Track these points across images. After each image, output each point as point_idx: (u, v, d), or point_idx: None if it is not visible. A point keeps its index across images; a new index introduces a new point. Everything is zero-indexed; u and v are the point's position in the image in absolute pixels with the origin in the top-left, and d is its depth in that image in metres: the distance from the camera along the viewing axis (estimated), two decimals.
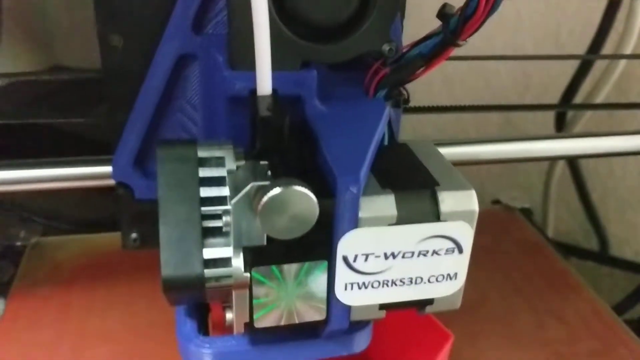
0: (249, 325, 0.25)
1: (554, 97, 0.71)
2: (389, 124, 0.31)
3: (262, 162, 0.24)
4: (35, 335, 0.42)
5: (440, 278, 0.26)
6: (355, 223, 0.24)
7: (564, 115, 0.70)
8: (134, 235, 0.33)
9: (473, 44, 0.29)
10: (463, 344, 0.44)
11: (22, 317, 0.44)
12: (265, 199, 0.21)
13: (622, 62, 0.64)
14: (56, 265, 0.50)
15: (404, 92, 0.31)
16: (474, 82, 0.74)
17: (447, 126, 0.74)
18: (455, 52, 0.28)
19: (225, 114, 0.28)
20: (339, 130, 0.27)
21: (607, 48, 0.65)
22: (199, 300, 0.25)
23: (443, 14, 0.27)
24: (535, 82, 0.75)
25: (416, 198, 0.25)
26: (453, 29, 0.27)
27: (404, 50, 0.29)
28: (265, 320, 0.25)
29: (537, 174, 0.80)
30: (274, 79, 0.27)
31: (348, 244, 0.24)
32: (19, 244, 0.52)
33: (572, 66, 0.68)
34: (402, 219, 0.24)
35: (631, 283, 0.72)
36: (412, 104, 0.49)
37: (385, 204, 0.24)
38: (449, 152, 0.42)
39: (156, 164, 0.24)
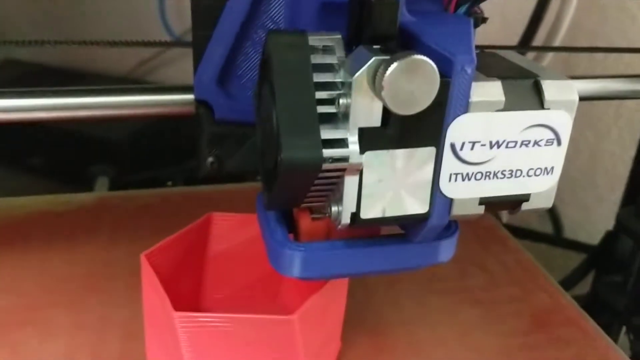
0: (355, 217, 0.25)
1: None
2: None
3: (374, 46, 0.24)
4: None
5: (538, 172, 0.26)
6: (465, 107, 0.24)
7: None
8: (210, 159, 0.33)
9: None
10: (380, 287, 0.45)
11: None
12: (392, 66, 0.22)
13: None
14: None
15: (480, 11, 0.32)
16: None
17: None
18: None
19: (316, 24, 0.29)
20: (434, 29, 0.27)
21: None
22: (303, 190, 0.25)
23: None
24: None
25: (521, 86, 0.25)
26: None
27: None
28: (371, 209, 0.25)
29: None
30: None
31: (457, 130, 0.25)
32: None
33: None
34: (509, 105, 0.25)
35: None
36: None
37: (493, 89, 0.25)
38: None
39: (268, 52, 0.25)
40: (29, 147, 0.71)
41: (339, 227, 0.26)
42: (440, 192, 0.26)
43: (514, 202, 0.27)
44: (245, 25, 0.31)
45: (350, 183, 0.25)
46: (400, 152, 0.25)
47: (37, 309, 0.40)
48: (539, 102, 0.25)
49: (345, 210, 0.25)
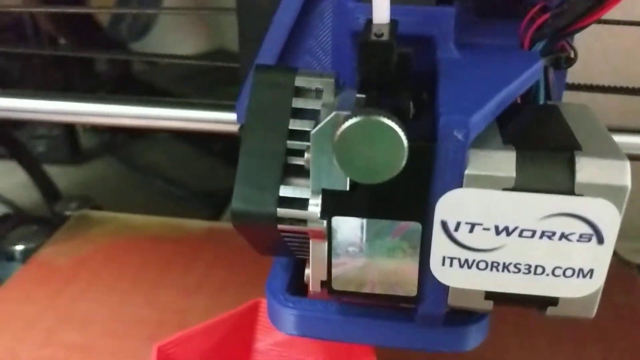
0: (327, 285, 0.22)
1: None
2: (547, 85, 0.26)
3: (358, 95, 0.21)
4: (21, 309, 0.41)
5: (569, 272, 0.20)
6: (459, 180, 0.19)
7: None
8: None
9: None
10: None
11: (21, 288, 0.43)
12: (342, 128, 0.18)
13: None
14: (83, 242, 0.48)
15: (569, 49, 0.25)
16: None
17: None
18: None
19: (352, 54, 0.25)
20: (467, 75, 0.22)
21: None
22: (276, 243, 0.22)
23: None
24: None
25: (545, 160, 0.19)
26: None
27: None
28: (344, 282, 0.22)
29: None
30: (404, 13, 0.24)
31: (449, 207, 0.20)
32: (68, 213, 0.51)
33: None
34: (522, 185, 0.19)
35: None
36: None
37: (502, 161, 0.19)
38: None
39: (250, 88, 0.22)
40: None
41: (311, 292, 0.23)
42: (432, 276, 0.21)
43: (536, 303, 0.21)
44: (291, 48, 0.28)
45: (316, 248, 0.21)
46: (375, 223, 0.21)
47: (90, 353, 0.38)
48: (568, 184, 0.19)
49: (313, 277, 0.22)
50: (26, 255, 0.46)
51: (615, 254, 0.46)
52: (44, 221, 0.51)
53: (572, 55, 0.25)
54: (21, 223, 0.50)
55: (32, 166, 0.61)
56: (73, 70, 0.75)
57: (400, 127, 0.18)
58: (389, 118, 0.18)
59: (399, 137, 0.18)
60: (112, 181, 0.74)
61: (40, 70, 0.72)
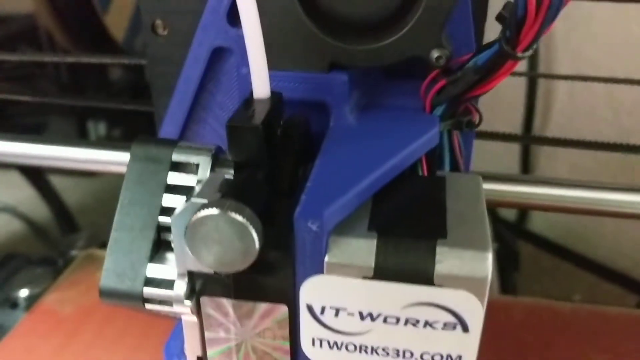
0: None
1: None
2: (452, 149, 0.25)
3: (227, 176, 0.20)
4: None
5: (437, 358, 0.20)
6: (320, 267, 0.19)
7: None
8: None
9: None
10: None
11: (24, 341, 0.39)
12: (194, 218, 0.18)
13: None
14: (90, 286, 0.43)
15: (474, 112, 0.25)
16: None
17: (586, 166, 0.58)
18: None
19: None
20: (350, 147, 0.22)
21: None
22: (158, 315, 0.22)
23: (500, 16, 0.20)
24: None
25: (406, 249, 0.19)
26: (510, 36, 0.20)
27: (466, 59, 0.23)
28: (220, 358, 0.22)
29: None
30: (296, 80, 0.23)
31: (312, 292, 0.19)
32: (74, 252, 0.47)
33: None
34: (382, 274, 0.19)
35: None
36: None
37: (361, 249, 0.19)
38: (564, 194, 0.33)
39: (128, 160, 0.22)
40: None
41: None
42: (305, 356, 0.21)
43: None
44: (201, 103, 0.28)
45: (188, 325, 0.21)
46: (243, 304, 0.20)
47: None
48: (427, 274, 0.19)
49: (189, 353, 0.22)
50: (30, 301, 0.42)
51: None
52: (48, 262, 0.47)
53: (476, 119, 0.25)
54: (25, 265, 0.46)
55: (40, 181, 0.60)
56: (87, 78, 0.74)
57: (252, 222, 0.18)
58: (241, 213, 0.18)
59: (250, 233, 0.18)
60: None
61: (54, 81, 0.71)
